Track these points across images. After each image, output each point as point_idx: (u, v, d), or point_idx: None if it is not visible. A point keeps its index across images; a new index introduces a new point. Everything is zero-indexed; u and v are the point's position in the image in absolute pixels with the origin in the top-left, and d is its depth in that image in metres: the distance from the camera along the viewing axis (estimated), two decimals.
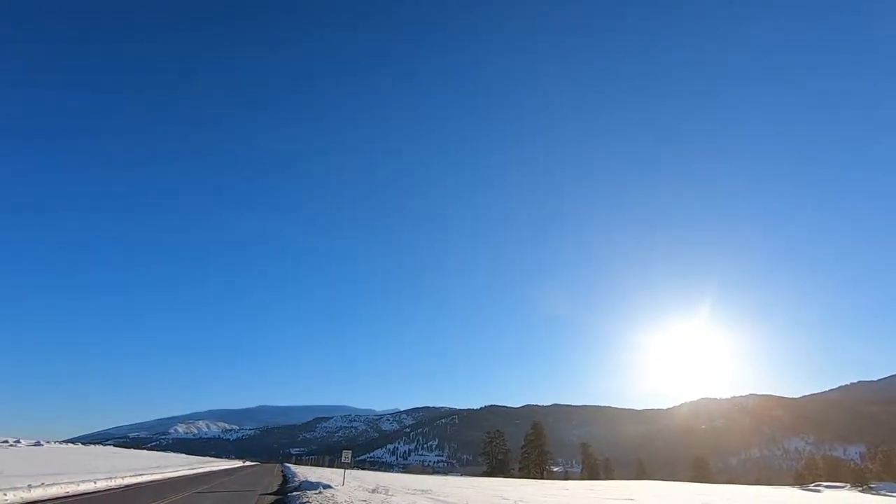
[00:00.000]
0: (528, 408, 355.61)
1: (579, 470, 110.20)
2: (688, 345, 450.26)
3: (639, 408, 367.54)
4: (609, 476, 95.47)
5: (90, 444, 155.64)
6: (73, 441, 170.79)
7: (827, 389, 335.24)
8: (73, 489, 19.64)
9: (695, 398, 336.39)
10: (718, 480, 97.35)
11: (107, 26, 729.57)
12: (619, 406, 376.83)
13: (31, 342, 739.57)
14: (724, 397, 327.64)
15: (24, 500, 15.78)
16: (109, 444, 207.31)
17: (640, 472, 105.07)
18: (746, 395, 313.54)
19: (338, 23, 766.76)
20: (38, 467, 30.53)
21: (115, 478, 25.71)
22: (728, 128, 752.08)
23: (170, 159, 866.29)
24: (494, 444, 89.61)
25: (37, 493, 17.13)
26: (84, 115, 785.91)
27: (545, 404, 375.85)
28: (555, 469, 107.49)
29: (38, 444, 71.25)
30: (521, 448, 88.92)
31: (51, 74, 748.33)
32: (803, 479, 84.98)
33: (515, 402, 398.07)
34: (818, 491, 61.66)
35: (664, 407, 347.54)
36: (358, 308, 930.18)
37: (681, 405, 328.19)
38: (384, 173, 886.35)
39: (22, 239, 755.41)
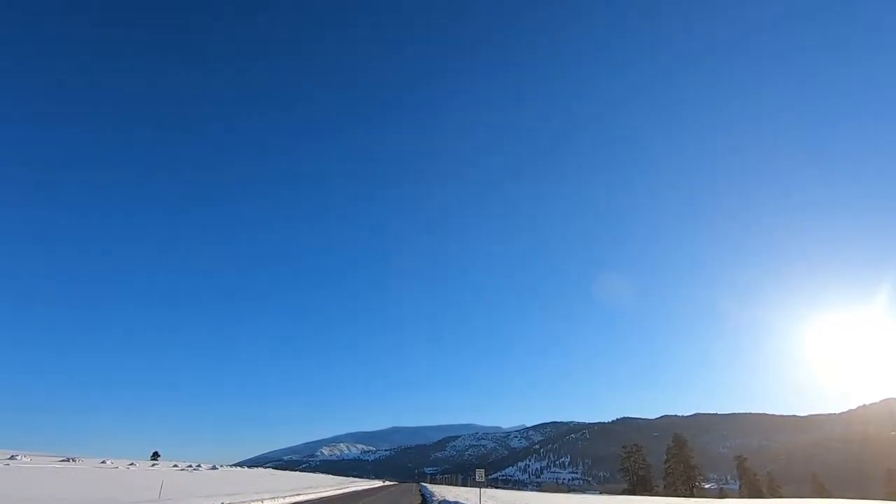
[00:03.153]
0: (666, 419, 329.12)
1: (736, 486, 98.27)
2: (861, 337, 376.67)
3: (802, 413, 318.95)
4: (775, 493, 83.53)
5: (253, 466, 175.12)
6: (240, 464, 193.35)
7: None
8: None
9: (876, 399, 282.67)
10: None
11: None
12: (776, 412, 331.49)
13: (208, 383, 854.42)
14: None
15: None
16: (269, 467, 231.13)
17: (817, 488, 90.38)
18: None
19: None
20: (217, 488, 35.09)
21: (278, 497, 28.60)
22: None
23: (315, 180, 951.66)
24: (633, 459, 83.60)
25: None
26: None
27: (685, 414, 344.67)
28: (706, 486, 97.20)
29: (214, 468, 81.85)
30: (664, 463, 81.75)
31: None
32: None
33: (650, 414, 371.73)
34: None
35: (836, 411, 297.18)
36: (480, 324, 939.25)
37: (857, 408, 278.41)
38: (503, 168, 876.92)
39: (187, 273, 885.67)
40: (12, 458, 43.00)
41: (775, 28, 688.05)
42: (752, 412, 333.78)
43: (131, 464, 62.47)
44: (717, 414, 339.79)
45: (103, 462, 53.01)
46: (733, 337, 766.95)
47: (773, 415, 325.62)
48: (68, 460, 48.45)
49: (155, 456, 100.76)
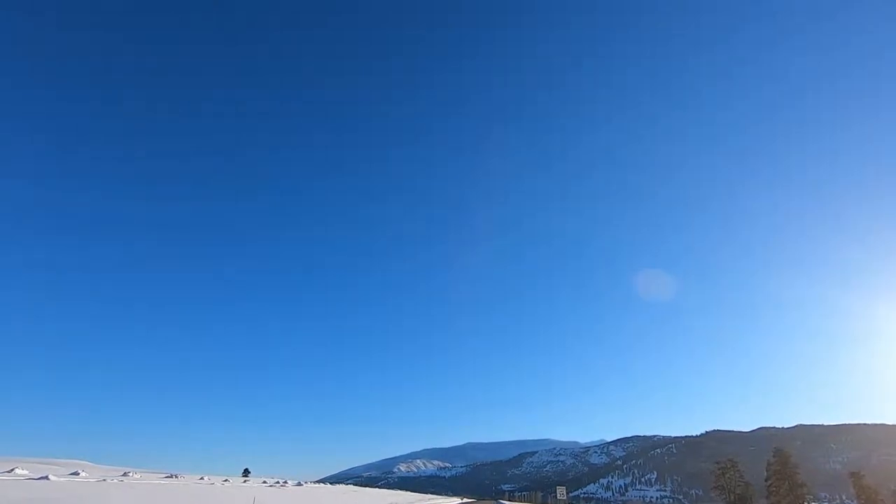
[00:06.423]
0: (763, 431, 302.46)
1: None
2: None
3: None
4: None
5: (335, 483, 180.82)
6: (322, 481, 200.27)
7: None
8: None
9: None
10: None
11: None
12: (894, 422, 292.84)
13: (292, 402, 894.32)
14: None
15: None
16: (349, 483, 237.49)
17: None
18: None
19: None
20: None
21: None
22: None
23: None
24: (728, 476, 77.38)
25: None
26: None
27: (786, 426, 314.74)
28: None
29: (299, 484, 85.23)
30: (765, 480, 74.94)
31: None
32: None
33: (745, 426, 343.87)
34: None
35: None
36: (552, 335, 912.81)
37: None
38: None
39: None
40: (125, 474, 47.35)
41: None
42: (866, 422, 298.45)
43: (225, 480, 66.64)
44: (822, 425, 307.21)
45: (201, 478, 56.93)
46: (836, 334, 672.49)
47: (892, 425, 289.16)
48: (171, 476, 52.49)
49: (246, 472, 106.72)
